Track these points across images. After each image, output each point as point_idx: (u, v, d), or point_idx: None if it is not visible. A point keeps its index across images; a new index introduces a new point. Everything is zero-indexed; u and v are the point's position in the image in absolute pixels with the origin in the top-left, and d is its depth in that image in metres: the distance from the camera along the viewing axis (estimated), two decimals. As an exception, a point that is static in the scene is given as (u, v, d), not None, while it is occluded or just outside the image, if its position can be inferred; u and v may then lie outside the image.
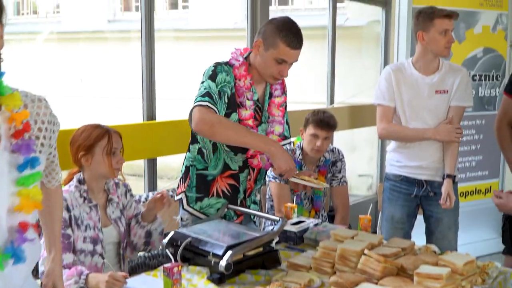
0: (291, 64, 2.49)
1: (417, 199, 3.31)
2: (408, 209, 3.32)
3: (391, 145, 3.39)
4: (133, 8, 9.20)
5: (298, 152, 3.51)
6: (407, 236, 3.33)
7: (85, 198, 2.50)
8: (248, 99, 2.51)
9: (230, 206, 2.60)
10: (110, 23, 9.23)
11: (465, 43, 4.71)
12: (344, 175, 3.63)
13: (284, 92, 2.73)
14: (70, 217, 2.42)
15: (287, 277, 2.21)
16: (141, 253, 2.90)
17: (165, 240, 2.43)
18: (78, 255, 2.43)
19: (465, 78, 3.22)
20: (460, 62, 4.68)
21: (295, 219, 2.91)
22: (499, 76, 4.89)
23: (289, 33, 2.41)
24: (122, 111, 5.23)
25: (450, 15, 3.12)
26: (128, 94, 5.21)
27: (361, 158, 6.10)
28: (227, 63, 2.52)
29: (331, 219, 3.71)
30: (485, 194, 5.07)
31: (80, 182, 2.53)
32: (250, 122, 2.51)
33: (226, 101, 2.44)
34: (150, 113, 3.41)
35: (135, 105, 3.51)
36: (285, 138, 2.76)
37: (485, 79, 4.84)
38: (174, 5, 9.27)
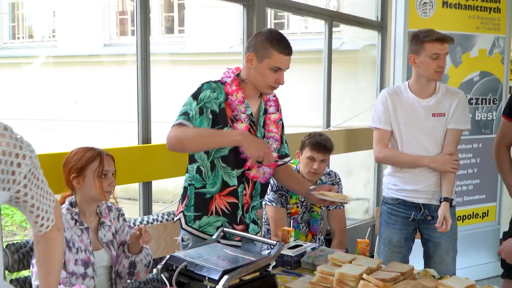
0: (284, 71, 2.54)
1: (415, 223, 3.27)
2: (406, 232, 3.28)
3: (387, 169, 3.36)
4: (129, 32, 9.23)
5: None
6: (405, 260, 3.28)
7: (76, 221, 2.47)
8: (242, 113, 2.53)
9: (226, 230, 2.55)
10: (106, 47, 9.25)
11: (462, 66, 4.72)
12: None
13: (278, 109, 2.74)
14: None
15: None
16: (135, 278, 2.85)
17: (160, 265, 2.38)
18: (69, 277, 2.38)
19: (463, 101, 3.20)
20: (456, 86, 4.68)
21: (292, 243, 2.87)
22: (496, 100, 4.89)
23: (280, 41, 2.48)
24: (118, 134, 5.21)
25: (442, 39, 3.10)
26: (124, 117, 5.20)
27: (357, 182, 6.07)
28: (218, 81, 2.56)
29: (328, 243, 3.67)
30: (482, 218, 5.03)
31: (72, 204, 2.50)
32: None
33: (211, 116, 2.48)
34: (145, 136, 3.37)
35: (131, 129, 3.48)
36: (286, 155, 2.81)
37: (482, 103, 4.84)
38: (170, 30, 9.30)
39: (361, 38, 5.91)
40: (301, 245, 2.83)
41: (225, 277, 2.13)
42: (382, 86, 5.29)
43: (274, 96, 2.73)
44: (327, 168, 3.61)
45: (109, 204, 2.67)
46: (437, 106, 3.16)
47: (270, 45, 2.47)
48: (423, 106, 3.16)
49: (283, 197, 3.40)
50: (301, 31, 7.49)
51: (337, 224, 3.60)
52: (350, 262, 2.37)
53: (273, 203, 3.40)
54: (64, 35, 9.58)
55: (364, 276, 2.13)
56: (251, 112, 2.59)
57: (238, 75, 2.59)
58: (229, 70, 2.61)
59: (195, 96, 2.48)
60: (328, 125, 4.85)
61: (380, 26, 5.39)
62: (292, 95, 6.14)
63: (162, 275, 2.22)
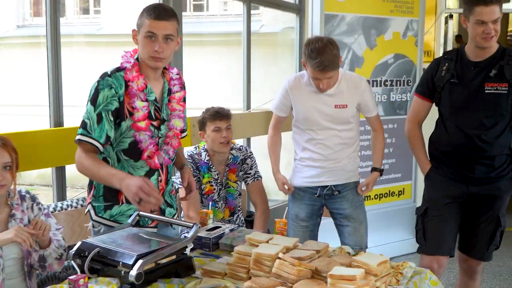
0: (166, 39, 2.41)
1: (321, 198, 3.32)
2: (312, 208, 3.32)
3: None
4: (43, 13, 8.85)
5: (204, 154, 3.48)
6: (313, 235, 3.34)
7: None
8: (141, 100, 2.45)
9: (142, 213, 2.50)
10: (19, 29, 8.85)
11: (376, 49, 4.83)
12: (257, 171, 3.62)
13: (183, 86, 2.69)
14: None
15: (201, 284, 2.15)
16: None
17: (72, 251, 2.31)
18: None
19: (367, 90, 3.28)
20: (371, 68, 4.80)
21: (210, 225, 2.85)
22: (410, 81, 5.04)
23: (150, 8, 2.41)
24: (33, 119, 5.00)
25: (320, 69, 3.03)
26: (38, 101, 4.99)
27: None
28: (118, 69, 2.46)
29: (250, 224, 3.68)
30: (398, 196, 5.21)
31: None
32: (143, 124, 2.44)
33: (111, 118, 2.41)
34: (57, 120, 3.25)
35: (46, 113, 3.34)
36: (184, 131, 2.71)
37: (396, 84, 4.98)
38: (85, 10, 9.01)
39: (280, 21, 5.94)
40: (219, 227, 2.82)
41: (140, 261, 2.09)
42: (301, 68, 5.33)
43: (178, 73, 2.67)
44: (237, 143, 3.62)
45: (23, 193, 2.55)
46: (339, 97, 3.20)
47: (142, 14, 2.42)
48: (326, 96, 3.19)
49: (195, 178, 3.37)
50: (220, 13, 7.43)
51: (258, 195, 3.61)
52: (267, 242, 2.38)
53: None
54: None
55: (280, 255, 2.14)
56: (155, 97, 2.52)
57: (138, 58, 2.50)
58: (127, 54, 2.51)
59: (93, 100, 2.39)
60: (248, 107, 4.85)
61: (298, 8, 5.43)
62: (211, 78, 6.13)
63: (73, 262, 2.14)
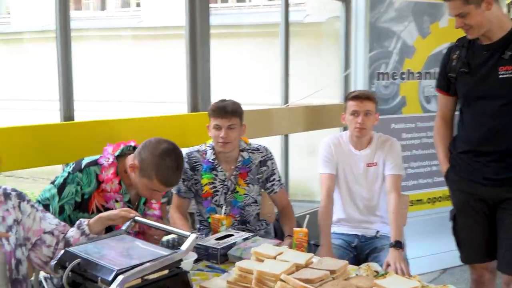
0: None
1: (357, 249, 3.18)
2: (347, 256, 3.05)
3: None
4: (83, 6, 8.81)
5: (209, 152, 3.04)
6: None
7: None
8: (117, 201, 2.46)
9: (138, 219, 2.21)
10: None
11: (430, 37, 4.38)
12: (280, 177, 3.21)
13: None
14: None
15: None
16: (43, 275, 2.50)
17: (53, 261, 2.04)
18: None
19: (395, 148, 3.18)
20: (423, 59, 4.36)
21: (222, 233, 2.53)
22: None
23: (167, 171, 2.37)
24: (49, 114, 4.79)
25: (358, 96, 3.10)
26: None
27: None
28: (94, 163, 2.48)
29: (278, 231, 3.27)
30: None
31: None
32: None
33: (70, 210, 2.44)
34: (67, 113, 3.01)
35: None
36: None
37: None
38: (126, 3, 8.88)
39: (325, 10, 5.54)
40: (231, 235, 2.50)
41: (120, 277, 1.78)
42: (347, 60, 4.93)
43: None
44: (255, 144, 3.17)
45: (8, 191, 2.29)
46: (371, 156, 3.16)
47: (154, 170, 2.36)
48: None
49: (190, 180, 3.04)
50: (263, 3, 7.08)
51: (286, 201, 3.16)
52: (275, 258, 2.03)
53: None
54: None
55: (283, 276, 1.79)
56: (129, 199, 2.51)
57: (118, 156, 2.50)
58: (108, 148, 2.52)
59: (60, 190, 2.44)
60: (286, 101, 4.50)
61: (345, -4, 5.02)
62: (253, 70, 5.81)
63: (42, 278, 1.85)
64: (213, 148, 3.02)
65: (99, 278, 1.84)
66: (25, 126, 2.86)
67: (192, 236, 2.02)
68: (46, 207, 2.40)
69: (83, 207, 2.44)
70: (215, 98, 3.05)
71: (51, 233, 2.34)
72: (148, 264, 1.87)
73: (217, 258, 2.34)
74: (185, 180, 2.97)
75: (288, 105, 4.51)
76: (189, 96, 3.73)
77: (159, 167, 2.34)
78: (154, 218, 2.60)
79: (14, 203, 2.27)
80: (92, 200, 2.46)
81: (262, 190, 3.10)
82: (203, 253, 2.38)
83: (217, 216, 2.61)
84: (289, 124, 4.48)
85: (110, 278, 1.79)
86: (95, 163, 2.48)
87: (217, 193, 2.98)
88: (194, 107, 3.74)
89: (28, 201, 2.33)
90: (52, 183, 2.48)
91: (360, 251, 3.13)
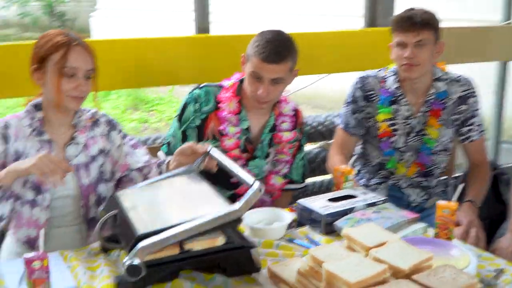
0: (273, 82, 2.03)
1: None
2: None
3: None
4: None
5: (391, 79, 2.31)
6: None
7: (34, 129, 1.81)
8: (232, 126, 2.14)
9: (213, 154, 1.73)
10: None
11: None
12: (482, 121, 2.37)
13: (295, 127, 2.25)
14: (5, 150, 1.76)
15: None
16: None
17: (101, 207, 1.67)
18: (13, 202, 1.77)
19: None
20: None
21: (343, 191, 1.90)
22: None
23: (265, 44, 2.01)
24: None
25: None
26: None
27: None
28: (215, 85, 2.21)
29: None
30: None
31: (36, 107, 1.85)
32: (237, 152, 2.14)
33: (194, 137, 2.15)
34: (202, 25, 2.59)
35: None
36: (292, 182, 2.29)
37: None
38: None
39: None
40: (353, 197, 1.85)
41: (139, 245, 1.32)
42: None
43: (295, 110, 2.26)
44: (452, 72, 2.32)
45: (97, 116, 1.96)
46: None
47: (253, 46, 2.04)
48: None
49: (361, 114, 2.36)
50: None
51: (477, 156, 2.35)
52: (368, 250, 1.36)
53: (341, 124, 2.40)
54: None
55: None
56: (248, 126, 2.17)
57: (242, 80, 2.16)
58: (238, 74, 2.20)
59: (180, 116, 2.18)
60: (508, 17, 3.50)
61: None
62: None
63: (40, 237, 1.45)
64: (395, 74, 2.30)
65: (123, 242, 1.42)
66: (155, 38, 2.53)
67: (255, 186, 1.43)
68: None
69: (200, 132, 2.16)
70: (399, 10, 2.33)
71: (139, 170, 1.99)
72: (181, 228, 1.36)
73: (320, 227, 1.74)
74: (355, 111, 2.33)
75: (510, 23, 3.51)
76: (366, 7, 3.06)
77: (257, 40, 2.04)
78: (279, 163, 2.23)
79: (102, 131, 1.95)
80: (208, 122, 2.15)
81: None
82: (307, 218, 1.79)
83: (342, 168, 1.96)
84: (510, 48, 3.49)
85: (130, 244, 1.36)
86: (216, 85, 2.21)
87: (395, 133, 2.29)
88: (371, 21, 3.08)
89: (120, 131, 1.99)
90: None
91: None
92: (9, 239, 1.91)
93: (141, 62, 2.45)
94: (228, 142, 2.12)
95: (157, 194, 1.64)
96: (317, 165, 2.84)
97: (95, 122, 1.94)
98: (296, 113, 2.26)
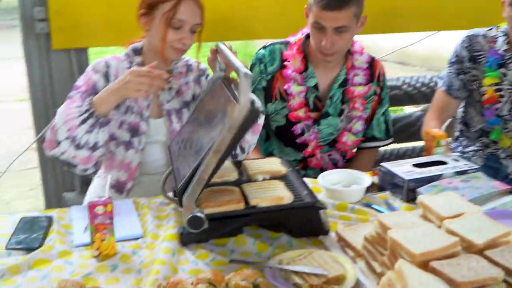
0: (337, 31, 1.90)
1: None
2: None
3: None
4: None
5: (501, 40, 2.10)
6: None
7: None
8: (298, 85, 2.05)
9: (221, 46, 1.64)
10: None
11: None
12: None
13: (372, 80, 2.11)
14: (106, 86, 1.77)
15: (305, 260, 1.25)
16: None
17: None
18: (108, 142, 1.80)
19: None
20: None
21: (435, 157, 1.77)
22: None
23: None
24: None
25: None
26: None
27: None
28: (282, 42, 2.13)
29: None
30: None
31: (136, 51, 1.89)
32: (302, 113, 2.06)
33: (262, 97, 2.10)
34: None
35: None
36: (374, 138, 2.18)
37: None
38: None
39: None
40: (444, 163, 1.71)
41: (184, 197, 1.32)
42: None
43: (369, 62, 2.10)
44: None
45: (190, 62, 1.97)
46: None
47: None
48: None
49: (466, 74, 2.16)
50: None
51: None
52: (441, 221, 1.24)
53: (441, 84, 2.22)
54: None
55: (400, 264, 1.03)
56: (316, 83, 2.07)
57: (309, 35, 2.04)
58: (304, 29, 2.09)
59: None
60: None
61: None
62: None
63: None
64: (506, 35, 2.09)
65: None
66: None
67: (241, 72, 1.21)
68: None
69: (268, 94, 2.11)
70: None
71: None
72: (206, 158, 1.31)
73: (402, 193, 1.62)
74: (460, 72, 2.16)
75: None
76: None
77: None
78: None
79: (195, 77, 1.95)
80: (274, 82, 2.09)
81: None
82: (388, 182, 1.68)
83: (434, 131, 1.82)
84: None
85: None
86: (282, 42, 2.13)
87: (501, 99, 2.10)
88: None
89: (207, 76, 1.98)
90: None
91: None
92: (96, 183, 1.97)
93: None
94: (293, 102, 2.05)
95: (190, 130, 1.63)
96: (418, 129, 2.68)
97: (188, 67, 1.95)
98: (373, 65, 2.12)
